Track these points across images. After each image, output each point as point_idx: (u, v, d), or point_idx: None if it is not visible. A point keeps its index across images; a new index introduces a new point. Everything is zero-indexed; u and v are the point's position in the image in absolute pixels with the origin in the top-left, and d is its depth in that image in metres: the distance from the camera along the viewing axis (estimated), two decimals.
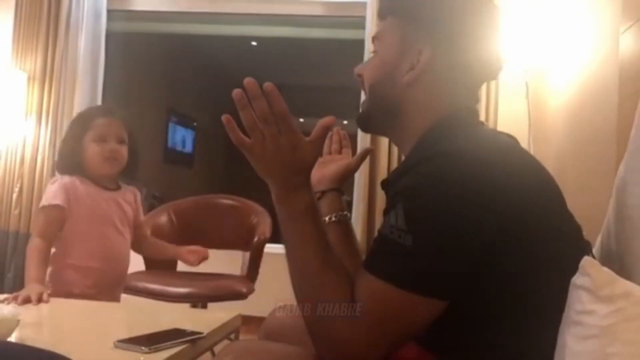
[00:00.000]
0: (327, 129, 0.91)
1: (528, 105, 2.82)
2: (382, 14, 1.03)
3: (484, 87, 2.99)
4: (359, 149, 1.33)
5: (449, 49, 0.94)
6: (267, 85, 0.84)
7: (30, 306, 1.51)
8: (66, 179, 1.89)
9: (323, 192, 1.19)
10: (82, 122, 1.98)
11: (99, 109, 2.14)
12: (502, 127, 2.98)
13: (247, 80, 0.84)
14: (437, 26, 0.94)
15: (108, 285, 1.89)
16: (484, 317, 0.82)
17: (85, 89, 3.33)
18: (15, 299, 1.54)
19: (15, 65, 3.31)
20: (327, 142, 1.27)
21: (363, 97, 1.07)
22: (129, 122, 2.05)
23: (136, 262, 2.62)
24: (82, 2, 3.31)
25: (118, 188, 2.01)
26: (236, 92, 0.84)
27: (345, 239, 1.17)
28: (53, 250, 1.83)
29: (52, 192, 1.86)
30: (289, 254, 0.91)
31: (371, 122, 1.05)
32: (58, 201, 1.83)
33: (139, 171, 2.09)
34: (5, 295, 1.59)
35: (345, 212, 1.19)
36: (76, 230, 1.86)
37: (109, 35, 3.43)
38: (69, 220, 1.85)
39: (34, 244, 1.77)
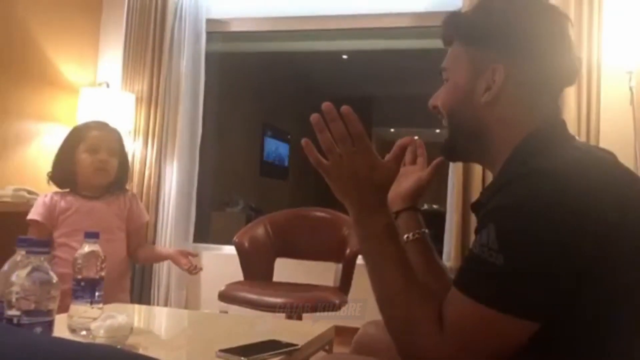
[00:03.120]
0: (404, 148, 0.94)
1: (633, 112, 2.67)
2: (447, 41, 1.02)
3: (584, 95, 2.83)
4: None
5: (522, 62, 0.93)
6: (344, 108, 0.88)
7: (140, 315, 1.62)
8: (47, 197, 2.11)
9: (398, 212, 1.18)
10: (76, 134, 2.17)
11: (93, 123, 2.28)
12: (604, 138, 2.79)
13: (325, 105, 0.89)
14: (506, 42, 0.93)
15: None
16: (579, 343, 0.80)
17: (187, 108, 3.54)
18: None
19: (125, 87, 3.57)
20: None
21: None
22: (120, 137, 2.23)
23: (235, 273, 2.74)
24: (184, 27, 3.53)
25: (101, 196, 2.15)
26: (314, 116, 0.89)
27: (425, 256, 1.16)
28: None
29: (34, 207, 2.11)
30: (371, 273, 0.93)
31: (457, 150, 1.04)
32: (36, 217, 2.07)
33: (126, 182, 2.27)
34: None
35: (424, 230, 1.18)
36: (59, 241, 2.04)
37: (207, 55, 3.62)
38: (54, 232, 2.05)
39: None
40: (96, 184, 2.13)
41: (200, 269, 2.13)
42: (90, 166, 2.09)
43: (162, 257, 2.38)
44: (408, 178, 1.21)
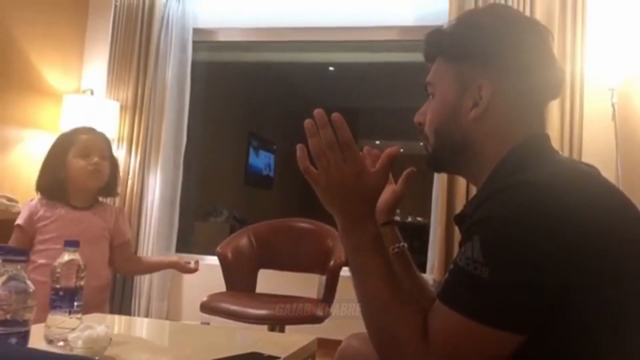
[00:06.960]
0: (392, 158, 0.93)
1: (615, 128, 2.70)
2: (430, 57, 1.03)
3: (567, 111, 2.86)
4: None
5: (507, 77, 0.93)
6: (335, 115, 0.88)
7: (120, 326, 1.60)
8: (33, 202, 2.08)
9: None
10: (65, 139, 2.14)
11: (81, 128, 2.25)
12: (587, 153, 2.83)
13: (317, 111, 0.89)
14: (491, 58, 0.94)
15: None
16: (566, 354, 0.80)
17: (172, 117, 3.52)
18: None
19: (110, 95, 3.55)
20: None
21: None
22: (109, 141, 2.24)
23: (217, 284, 2.71)
24: (170, 36, 3.52)
25: (90, 207, 2.12)
26: (307, 122, 0.89)
27: (406, 270, 1.17)
28: None
29: (22, 211, 2.10)
30: (357, 285, 0.92)
31: (441, 163, 1.05)
32: (20, 221, 2.05)
33: (117, 186, 2.26)
34: None
35: (403, 243, 1.19)
36: (39, 247, 2.01)
37: (193, 64, 3.60)
38: (35, 238, 2.03)
39: None
40: (90, 188, 2.10)
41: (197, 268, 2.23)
42: (84, 169, 2.06)
43: (164, 266, 2.39)
44: (383, 192, 1.21)
